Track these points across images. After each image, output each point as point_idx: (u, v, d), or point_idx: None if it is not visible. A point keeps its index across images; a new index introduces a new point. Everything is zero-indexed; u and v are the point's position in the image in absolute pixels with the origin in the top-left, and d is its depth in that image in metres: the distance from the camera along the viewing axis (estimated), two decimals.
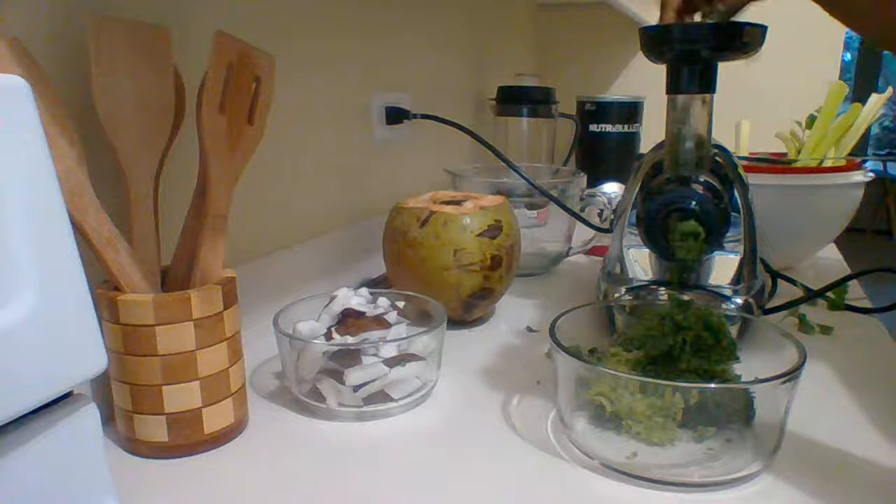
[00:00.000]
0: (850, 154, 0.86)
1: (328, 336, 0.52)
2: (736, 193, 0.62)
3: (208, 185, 0.45)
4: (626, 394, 0.42)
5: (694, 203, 0.59)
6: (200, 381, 0.43)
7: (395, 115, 0.89)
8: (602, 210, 0.87)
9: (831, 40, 1.42)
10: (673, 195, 0.60)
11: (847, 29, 0.51)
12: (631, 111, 1.26)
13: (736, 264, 0.63)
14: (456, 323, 0.67)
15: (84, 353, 0.29)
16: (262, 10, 0.64)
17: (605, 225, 0.86)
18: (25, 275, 0.26)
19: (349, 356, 0.49)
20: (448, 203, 0.67)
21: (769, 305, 0.69)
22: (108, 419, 0.43)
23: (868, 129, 0.96)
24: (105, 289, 0.43)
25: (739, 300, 0.61)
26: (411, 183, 0.96)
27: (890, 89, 0.90)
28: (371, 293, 0.58)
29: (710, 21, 0.59)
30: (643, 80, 1.43)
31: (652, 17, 1.34)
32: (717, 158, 0.63)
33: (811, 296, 0.71)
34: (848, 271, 0.85)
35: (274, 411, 0.51)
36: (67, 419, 0.29)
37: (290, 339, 0.50)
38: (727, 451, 0.42)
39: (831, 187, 0.80)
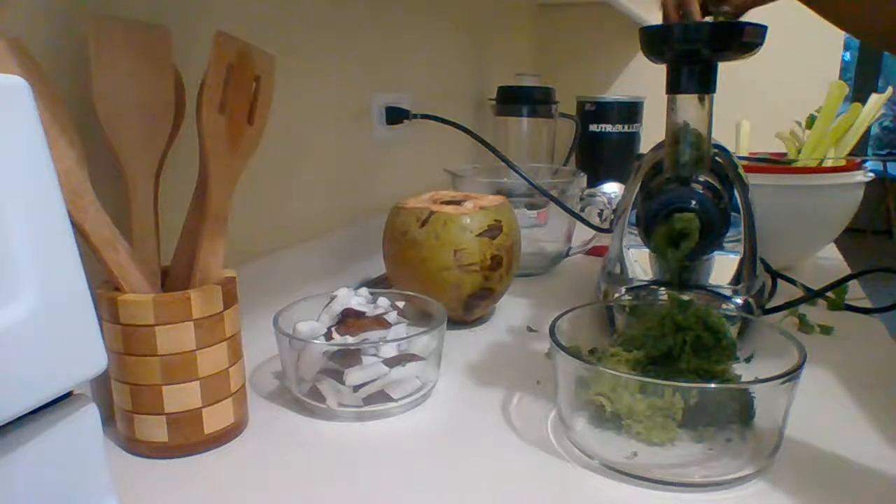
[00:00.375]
0: (850, 154, 0.86)
1: (328, 336, 0.52)
2: (736, 193, 0.62)
3: (208, 186, 0.45)
4: (626, 394, 0.42)
5: (694, 203, 0.59)
6: (200, 381, 0.43)
7: (395, 115, 0.89)
8: (602, 210, 0.87)
9: (831, 40, 1.42)
10: (673, 195, 0.60)
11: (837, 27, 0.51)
12: (631, 111, 1.26)
13: (736, 264, 0.63)
14: (456, 323, 0.67)
15: (84, 353, 0.29)
16: (262, 10, 0.64)
17: (605, 225, 0.86)
18: (25, 275, 0.26)
19: (349, 356, 0.49)
20: (448, 203, 0.67)
21: (769, 305, 0.69)
22: (108, 419, 0.43)
23: (868, 129, 0.96)
24: (105, 289, 0.43)
25: (739, 300, 0.61)
26: (411, 183, 0.96)
27: (890, 89, 0.90)
28: (371, 293, 0.58)
29: (712, 21, 0.59)
30: (643, 80, 1.43)
31: (652, 18, 1.34)
32: (717, 158, 0.63)
33: (811, 296, 0.71)
34: (848, 271, 0.85)
35: (274, 411, 0.51)
36: (67, 419, 0.29)
37: (290, 339, 0.50)
38: (727, 451, 0.42)
39: (831, 187, 0.80)
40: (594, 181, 0.98)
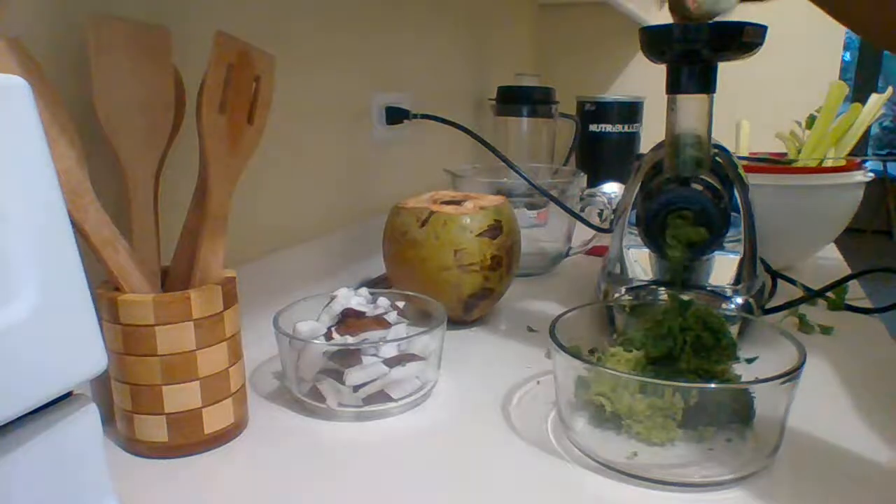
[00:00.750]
0: (850, 154, 0.86)
1: (328, 336, 0.52)
2: (736, 193, 0.62)
3: (208, 185, 0.45)
4: (626, 394, 0.42)
5: (694, 203, 0.59)
6: (200, 381, 0.43)
7: (395, 115, 0.89)
8: (602, 210, 0.87)
9: (831, 40, 1.42)
10: (673, 195, 0.60)
11: (847, 29, 0.51)
12: (631, 111, 1.26)
13: (736, 264, 0.63)
14: (456, 323, 0.67)
15: (84, 353, 0.29)
16: (262, 10, 0.64)
17: (605, 225, 0.86)
18: (25, 275, 0.26)
19: (349, 356, 0.49)
20: (448, 203, 0.67)
21: (769, 305, 0.69)
22: (108, 419, 0.43)
23: (868, 129, 0.96)
24: (105, 289, 0.43)
25: (739, 300, 0.61)
26: (411, 183, 0.96)
27: (890, 89, 0.90)
28: (371, 293, 0.58)
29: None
30: (643, 80, 1.43)
31: (652, 18, 1.34)
32: (717, 158, 0.63)
33: (811, 296, 0.71)
34: (848, 271, 0.85)
35: (274, 411, 0.51)
36: (67, 419, 0.29)
37: (290, 339, 0.50)
38: (727, 451, 0.42)
39: (831, 187, 0.80)
40: (594, 181, 0.98)
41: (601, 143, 1.26)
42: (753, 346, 0.48)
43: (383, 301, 0.57)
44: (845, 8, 0.45)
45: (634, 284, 0.65)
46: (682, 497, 0.40)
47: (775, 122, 0.99)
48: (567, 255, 0.91)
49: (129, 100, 0.43)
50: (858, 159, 0.84)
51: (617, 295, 0.65)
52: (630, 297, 0.63)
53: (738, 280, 0.63)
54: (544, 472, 0.42)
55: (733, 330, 0.49)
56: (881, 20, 0.43)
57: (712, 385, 0.44)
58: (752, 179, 0.65)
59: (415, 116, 0.91)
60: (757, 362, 0.47)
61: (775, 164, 0.87)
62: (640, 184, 0.65)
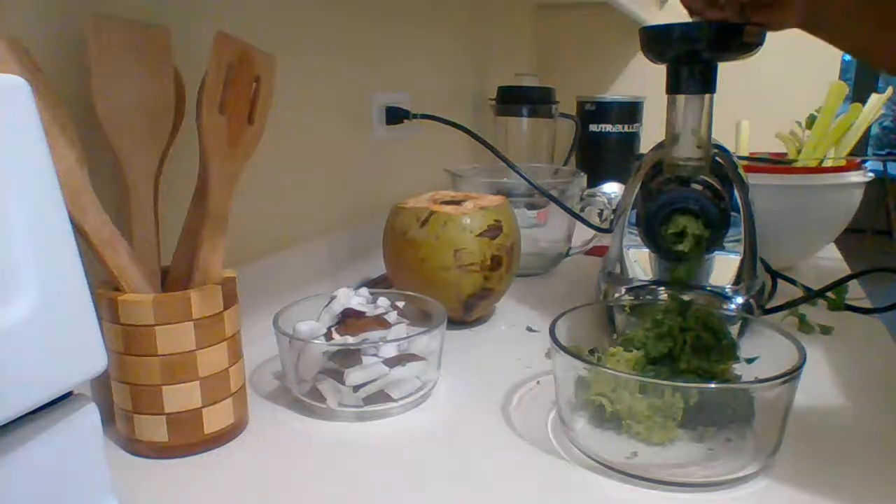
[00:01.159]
0: (850, 154, 0.86)
1: (328, 336, 0.52)
2: (736, 193, 0.62)
3: (208, 185, 0.45)
4: (626, 394, 0.42)
5: (694, 203, 0.59)
6: (200, 381, 0.43)
7: (395, 115, 0.89)
8: (602, 210, 0.87)
9: None
10: (673, 195, 0.60)
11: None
12: (631, 111, 1.26)
13: (736, 264, 0.63)
14: (456, 323, 0.67)
15: (84, 353, 0.29)
16: (262, 10, 0.64)
17: (605, 225, 0.86)
18: (26, 275, 0.26)
19: (349, 356, 0.49)
20: (448, 203, 0.67)
21: (769, 305, 0.69)
22: (108, 419, 0.43)
23: (868, 129, 0.96)
24: (105, 289, 0.43)
25: (739, 300, 0.61)
26: (411, 183, 0.96)
27: (890, 89, 0.90)
28: (371, 293, 0.58)
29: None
30: (643, 80, 1.43)
31: (652, 18, 1.34)
32: (717, 158, 0.63)
33: (811, 296, 0.71)
34: (848, 271, 0.85)
35: (274, 411, 0.51)
36: (67, 419, 0.29)
37: (290, 339, 0.50)
38: (727, 451, 0.42)
39: (831, 187, 0.80)
40: (594, 181, 0.98)
41: (601, 143, 1.26)
42: (753, 346, 0.48)
43: (383, 301, 0.57)
44: (844, 34, 0.45)
45: (634, 284, 0.65)
46: (682, 497, 0.40)
47: (775, 122, 0.99)
48: (567, 255, 0.91)
49: (129, 100, 0.43)
50: (858, 159, 0.84)
51: (617, 295, 0.65)
52: (630, 297, 0.63)
53: (738, 280, 0.63)
54: (544, 472, 0.42)
55: (733, 330, 0.49)
56: (881, 45, 0.43)
57: (712, 385, 0.44)
58: (752, 179, 0.65)
59: (415, 116, 0.91)
60: (757, 362, 0.47)
61: (775, 164, 0.87)
62: (640, 184, 0.65)
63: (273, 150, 0.65)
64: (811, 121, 0.89)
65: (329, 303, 0.55)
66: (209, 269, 0.46)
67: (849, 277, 0.74)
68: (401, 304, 0.57)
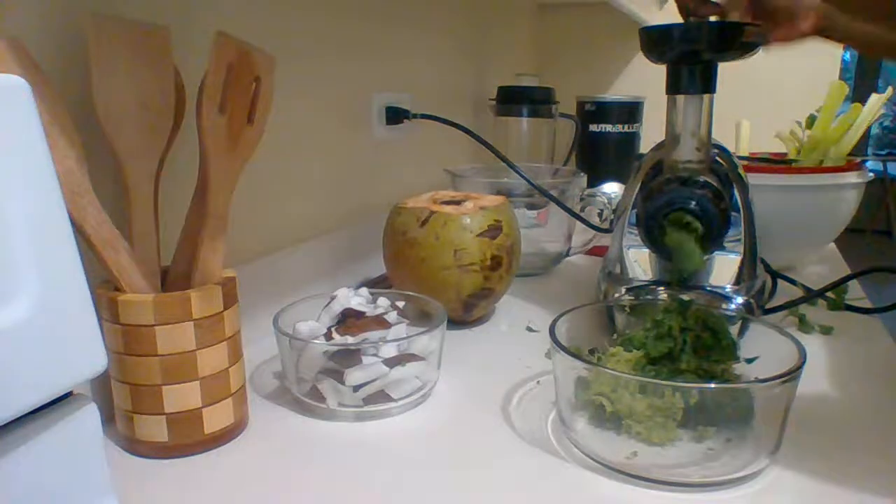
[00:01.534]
0: (850, 154, 0.86)
1: (328, 336, 0.52)
2: (736, 193, 0.62)
3: (208, 185, 0.45)
4: (626, 394, 0.42)
5: (694, 203, 0.59)
6: (200, 381, 0.43)
7: (395, 115, 0.89)
8: (602, 210, 0.87)
9: None
10: (673, 195, 0.60)
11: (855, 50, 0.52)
12: (631, 111, 1.25)
13: (736, 264, 0.63)
14: (456, 323, 0.67)
15: (84, 353, 0.29)
16: (262, 10, 0.64)
17: (605, 225, 0.86)
18: (26, 275, 0.26)
19: (349, 356, 0.49)
20: (448, 203, 0.67)
21: (769, 305, 0.69)
22: (108, 419, 0.43)
23: (868, 129, 0.96)
24: (105, 289, 0.43)
25: (739, 300, 0.61)
26: (411, 183, 0.96)
27: (890, 89, 0.90)
28: (371, 293, 0.58)
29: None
30: (643, 80, 1.43)
31: (652, 18, 1.34)
32: (717, 158, 0.63)
33: (811, 296, 0.71)
34: (848, 271, 0.85)
35: (274, 411, 0.51)
36: (67, 419, 0.29)
37: (290, 339, 0.50)
38: (727, 451, 0.42)
39: (831, 187, 0.80)
40: (594, 181, 0.98)
41: (601, 143, 1.26)
42: (753, 346, 0.48)
43: (383, 301, 0.57)
44: (853, 31, 0.45)
45: (634, 284, 0.65)
46: (682, 497, 0.40)
47: (775, 122, 0.99)
48: (567, 255, 0.91)
49: (129, 100, 0.43)
50: (858, 159, 0.84)
51: (617, 295, 0.65)
52: (630, 297, 0.63)
53: (738, 280, 0.63)
54: (544, 472, 0.42)
55: (733, 330, 0.49)
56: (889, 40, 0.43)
57: (712, 385, 0.44)
58: (752, 179, 0.65)
59: (415, 116, 0.91)
60: (757, 362, 0.47)
61: (775, 164, 0.87)
62: (640, 184, 0.65)
63: (273, 150, 0.65)
64: (811, 121, 0.89)
65: (329, 303, 0.55)
66: (209, 269, 0.46)
67: (849, 277, 0.74)
68: (401, 304, 0.57)
